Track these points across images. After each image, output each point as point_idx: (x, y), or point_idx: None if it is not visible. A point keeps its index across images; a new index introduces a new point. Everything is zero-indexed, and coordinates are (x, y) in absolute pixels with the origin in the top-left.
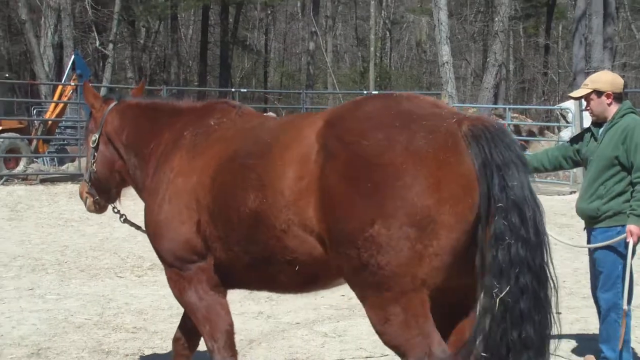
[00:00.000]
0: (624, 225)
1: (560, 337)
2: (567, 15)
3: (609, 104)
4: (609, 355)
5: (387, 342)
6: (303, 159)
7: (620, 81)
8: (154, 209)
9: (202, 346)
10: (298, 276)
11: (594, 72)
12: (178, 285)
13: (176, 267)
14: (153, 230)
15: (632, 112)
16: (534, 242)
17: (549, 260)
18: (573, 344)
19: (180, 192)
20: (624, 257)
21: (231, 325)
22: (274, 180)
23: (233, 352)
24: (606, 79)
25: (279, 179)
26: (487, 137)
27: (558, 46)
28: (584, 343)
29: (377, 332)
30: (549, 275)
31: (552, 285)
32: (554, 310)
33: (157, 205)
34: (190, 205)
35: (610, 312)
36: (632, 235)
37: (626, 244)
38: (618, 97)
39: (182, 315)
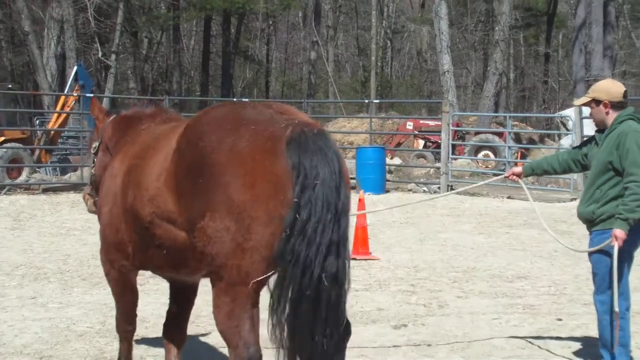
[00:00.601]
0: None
1: (561, 343)
2: (567, 24)
3: (607, 113)
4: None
5: (217, 328)
6: (165, 158)
7: (618, 90)
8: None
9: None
10: (170, 259)
11: (594, 80)
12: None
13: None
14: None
15: (631, 119)
16: (322, 242)
17: (341, 263)
18: (574, 350)
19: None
20: (620, 263)
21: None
22: (143, 178)
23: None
24: (603, 87)
25: (147, 177)
26: (302, 141)
27: (558, 55)
28: (586, 350)
29: (214, 317)
30: (337, 276)
31: (340, 284)
32: (344, 307)
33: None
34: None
35: (605, 315)
36: (617, 240)
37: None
38: (616, 105)
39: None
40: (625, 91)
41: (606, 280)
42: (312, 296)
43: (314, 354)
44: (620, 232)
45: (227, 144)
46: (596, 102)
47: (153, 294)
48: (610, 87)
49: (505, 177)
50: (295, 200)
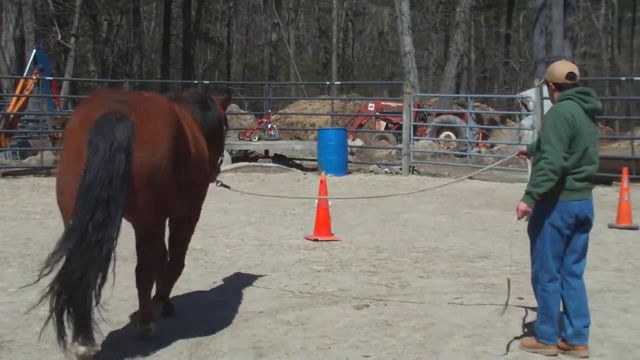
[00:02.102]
0: (543, 204)
1: (522, 322)
2: (528, 5)
3: (553, 93)
4: (535, 327)
5: None
6: None
7: (561, 71)
8: None
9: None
10: None
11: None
12: None
13: None
14: None
15: (568, 99)
16: (92, 197)
17: (107, 214)
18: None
19: None
20: (542, 233)
21: None
22: None
23: None
24: (550, 69)
25: None
26: (97, 123)
27: (519, 36)
28: None
29: None
30: (102, 224)
31: (104, 230)
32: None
33: None
34: None
35: (534, 284)
36: (518, 212)
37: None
38: (561, 86)
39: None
40: (570, 72)
41: (534, 252)
42: (78, 235)
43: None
44: (522, 205)
45: (69, 121)
46: (546, 83)
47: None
48: (554, 69)
49: (516, 155)
50: (84, 167)
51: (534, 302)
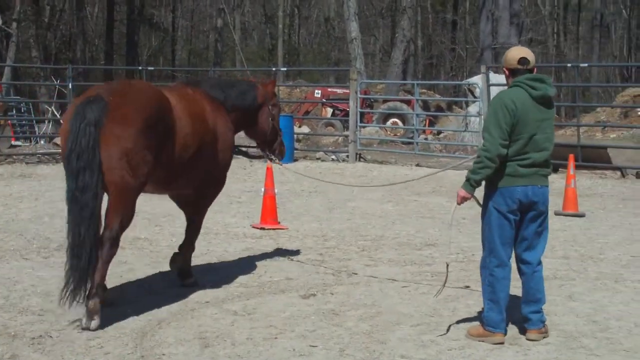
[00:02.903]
0: (490, 190)
1: (469, 310)
2: None
3: (507, 79)
4: (483, 315)
5: None
6: None
7: (513, 56)
8: None
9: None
10: None
11: (501, 47)
12: None
13: None
14: None
15: (516, 85)
16: (73, 167)
17: (86, 181)
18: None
19: None
20: (489, 218)
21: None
22: None
23: None
24: (505, 55)
25: None
26: (75, 105)
27: (465, 22)
28: None
29: None
30: (84, 188)
31: (86, 193)
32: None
33: None
34: None
35: (481, 269)
36: (457, 198)
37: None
38: (514, 71)
39: None
40: (522, 58)
41: (483, 239)
42: (71, 200)
43: (73, 234)
44: (461, 191)
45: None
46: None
47: (58, 268)
48: (508, 54)
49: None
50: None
51: (480, 290)
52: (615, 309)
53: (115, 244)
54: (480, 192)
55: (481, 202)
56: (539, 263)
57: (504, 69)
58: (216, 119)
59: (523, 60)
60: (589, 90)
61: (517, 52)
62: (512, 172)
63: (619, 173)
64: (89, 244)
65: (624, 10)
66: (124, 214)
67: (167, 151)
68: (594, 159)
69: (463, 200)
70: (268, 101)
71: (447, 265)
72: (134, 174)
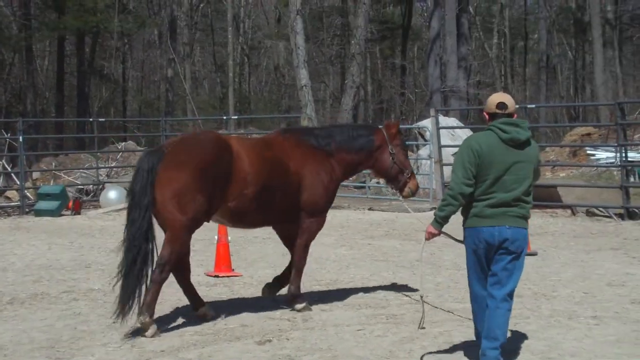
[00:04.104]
0: (465, 228)
1: (425, 351)
2: (422, 36)
3: (487, 122)
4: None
5: None
6: None
7: (492, 101)
8: None
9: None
10: None
11: (450, 91)
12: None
13: None
14: None
15: (489, 128)
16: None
17: (143, 234)
18: (437, 357)
19: None
20: (466, 256)
21: None
22: None
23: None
24: (486, 101)
25: None
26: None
27: (414, 66)
28: (448, 356)
29: None
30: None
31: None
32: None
33: None
34: None
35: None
36: (426, 234)
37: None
38: (492, 115)
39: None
40: (500, 102)
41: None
42: (125, 231)
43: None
44: (429, 228)
45: None
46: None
47: (11, 321)
48: (488, 99)
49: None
50: None
51: (435, 331)
52: (569, 346)
53: (164, 270)
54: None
55: (457, 238)
56: (505, 300)
57: (484, 113)
58: (304, 161)
59: (501, 105)
60: (538, 131)
61: (496, 98)
62: (478, 212)
63: (569, 211)
64: (135, 269)
65: (569, 52)
66: (173, 246)
67: (226, 189)
68: (544, 197)
69: (431, 236)
70: (389, 142)
71: (422, 298)
72: (183, 211)
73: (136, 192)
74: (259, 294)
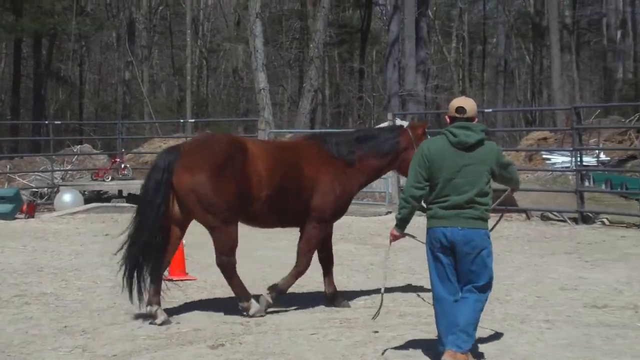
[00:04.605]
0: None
1: (378, 355)
2: (381, 40)
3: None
4: None
5: None
6: None
7: (452, 105)
8: None
9: None
10: None
11: (408, 95)
12: None
13: None
14: None
15: (442, 132)
16: (148, 199)
17: (155, 207)
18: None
19: None
20: (426, 256)
21: None
22: None
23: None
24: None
25: None
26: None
27: (372, 70)
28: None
29: None
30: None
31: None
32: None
33: None
34: None
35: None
36: (390, 236)
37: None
38: (452, 119)
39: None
40: (459, 107)
41: None
42: (137, 223)
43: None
44: (392, 230)
45: None
46: None
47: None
48: (450, 103)
49: None
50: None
51: (389, 335)
52: (521, 349)
53: (226, 266)
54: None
55: (421, 240)
56: (470, 291)
57: (446, 116)
58: (320, 169)
59: (460, 109)
60: (495, 135)
61: (456, 102)
62: (433, 214)
63: (524, 215)
64: (133, 261)
65: (527, 56)
66: (219, 242)
67: (240, 190)
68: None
69: (394, 238)
70: (415, 143)
71: (382, 291)
72: (210, 211)
73: (150, 189)
74: (213, 297)
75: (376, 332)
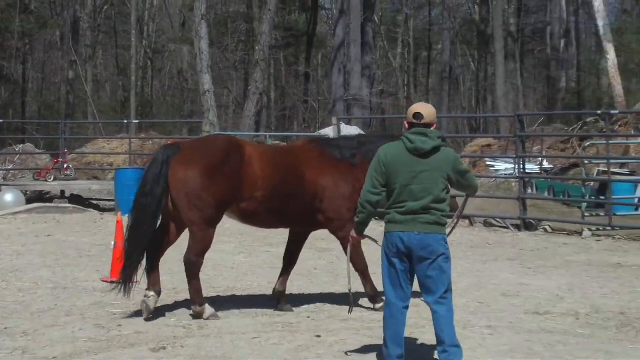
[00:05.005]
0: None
1: (319, 359)
2: (327, 44)
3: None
4: None
5: None
6: None
7: (410, 111)
8: None
9: None
10: None
11: (353, 99)
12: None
13: None
14: None
15: (400, 139)
16: (146, 191)
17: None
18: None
19: None
20: (381, 260)
21: None
22: None
23: None
24: None
25: None
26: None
27: (318, 74)
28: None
29: None
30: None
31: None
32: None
33: None
34: None
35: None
36: (350, 239)
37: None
38: (410, 125)
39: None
40: (416, 112)
41: None
42: (137, 215)
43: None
44: (352, 233)
45: None
46: None
47: None
48: (409, 109)
49: None
50: None
51: (331, 340)
52: (464, 355)
53: (192, 265)
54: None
55: (380, 243)
56: (437, 303)
57: (405, 122)
58: (323, 172)
59: (417, 115)
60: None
61: (414, 108)
62: (390, 218)
63: (467, 221)
64: (139, 252)
65: (472, 63)
66: (194, 242)
67: (234, 190)
68: None
69: (354, 240)
70: None
71: (350, 291)
72: (193, 208)
73: (149, 180)
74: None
75: (318, 336)
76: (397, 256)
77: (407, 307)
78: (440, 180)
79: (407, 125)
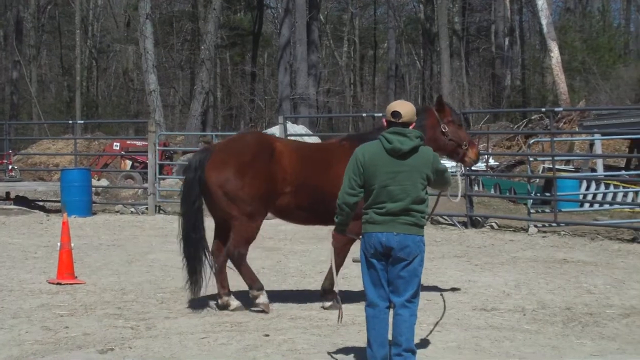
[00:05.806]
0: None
1: (268, 358)
2: (273, 43)
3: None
4: None
5: None
6: None
7: (388, 109)
8: None
9: None
10: None
11: (300, 98)
12: None
13: None
14: None
15: (378, 138)
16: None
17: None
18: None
19: None
20: (361, 261)
21: None
22: None
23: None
24: None
25: None
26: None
27: (264, 73)
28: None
29: None
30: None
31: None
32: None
33: None
34: None
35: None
36: (332, 239)
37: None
38: (388, 123)
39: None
40: (394, 111)
41: None
42: (183, 220)
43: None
44: (333, 232)
45: None
46: None
47: None
48: (388, 107)
49: None
50: None
51: (279, 339)
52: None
53: (237, 257)
54: None
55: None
56: (403, 306)
57: (383, 120)
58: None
59: (395, 114)
60: None
61: (392, 106)
62: (369, 219)
63: None
64: (192, 255)
65: (417, 62)
66: (236, 238)
67: (267, 186)
68: None
69: (336, 240)
70: (441, 120)
71: (337, 293)
72: (234, 207)
73: (185, 187)
74: (102, 301)
75: (267, 335)
76: (375, 256)
77: (389, 307)
78: (419, 180)
79: (385, 123)
